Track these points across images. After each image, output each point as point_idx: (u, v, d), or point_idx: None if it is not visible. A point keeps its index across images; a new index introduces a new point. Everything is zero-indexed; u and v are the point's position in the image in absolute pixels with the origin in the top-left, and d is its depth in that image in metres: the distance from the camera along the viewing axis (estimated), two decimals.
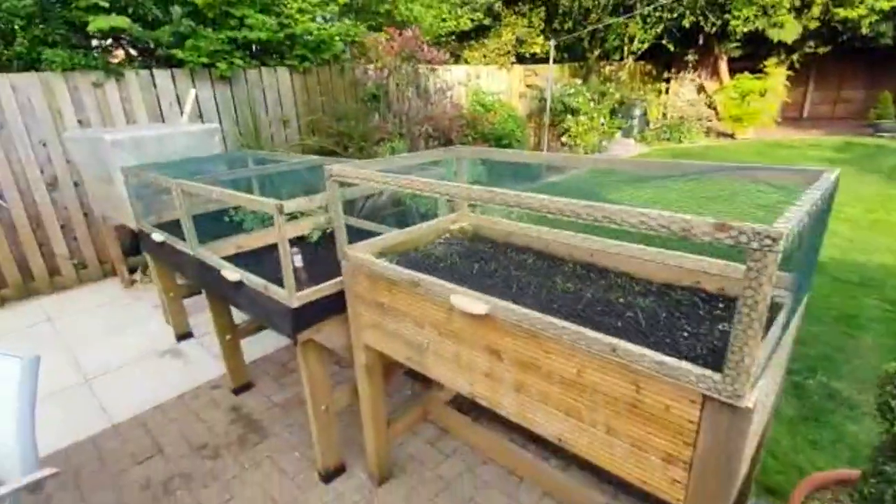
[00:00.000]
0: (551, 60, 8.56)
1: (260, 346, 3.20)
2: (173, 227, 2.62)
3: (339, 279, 1.82)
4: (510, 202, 1.13)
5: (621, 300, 1.41)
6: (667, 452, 1.05)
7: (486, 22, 9.42)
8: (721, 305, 1.35)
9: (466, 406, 2.41)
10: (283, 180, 2.76)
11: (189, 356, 3.23)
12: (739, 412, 0.91)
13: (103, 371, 3.07)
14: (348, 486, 2.11)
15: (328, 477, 2.13)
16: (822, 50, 11.72)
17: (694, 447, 1.00)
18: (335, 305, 1.85)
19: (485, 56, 9.43)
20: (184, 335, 3.43)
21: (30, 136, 4.05)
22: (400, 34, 5.70)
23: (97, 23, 3.86)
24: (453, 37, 8.93)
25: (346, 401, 2.09)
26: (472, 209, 2.20)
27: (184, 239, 2.37)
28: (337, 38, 5.71)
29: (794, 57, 11.85)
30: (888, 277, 3.52)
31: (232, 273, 2.01)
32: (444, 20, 8.00)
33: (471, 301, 1.29)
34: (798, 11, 10.56)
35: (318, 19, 5.77)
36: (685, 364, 0.96)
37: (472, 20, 8.72)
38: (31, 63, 4.15)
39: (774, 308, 1.15)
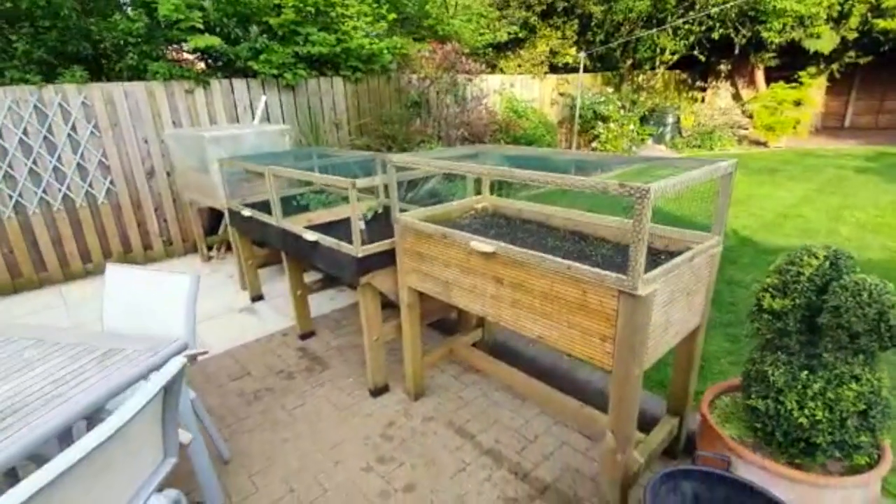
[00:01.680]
0: (581, 70, 9.08)
1: (320, 307, 3.93)
2: (254, 207, 3.38)
3: (391, 239, 2.48)
4: (505, 176, 1.77)
5: (582, 248, 2.02)
6: (602, 333, 1.65)
7: (522, 35, 10.03)
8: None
9: (484, 348, 3.03)
10: (343, 169, 3.47)
11: (262, 313, 3.99)
12: (639, 299, 1.51)
13: (200, 319, 3.86)
14: (391, 400, 2.77)
15: (376, 392, 2.80)
16: (863, 60, 11.70)
17: (616, 327, 1.59)
18: (386, 260, 2.52)
19: (519, 66, 10.04)
20: (257, 297, 4.20)
21: (135, 133, 4.96)
22: (442, 47, 6.40)
23: (195, 41, 4.72)
24: (490, 48, 9.59)
25: (391, 335, 2.75)
26: (492, 193, 2.84)
27: (269, 213, 3.11)
28: (385, 51, 6.47)
29: (834, 67, 11.88)
30: (868, 269, 3.90)
31: (311, 235, 2.72)
32: (482, 34, 8.67)
33: (483, 243, 1.93)
34: (836, 22, 10.66)
35: (370, 34, 6.55)
36: (609, 273, 1.56)
37: (509, 33, 9.35)
38: (136, 73, 5.06)
39: (675, 253, 1.73)
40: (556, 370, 2.81)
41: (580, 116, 9.39)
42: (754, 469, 1.59)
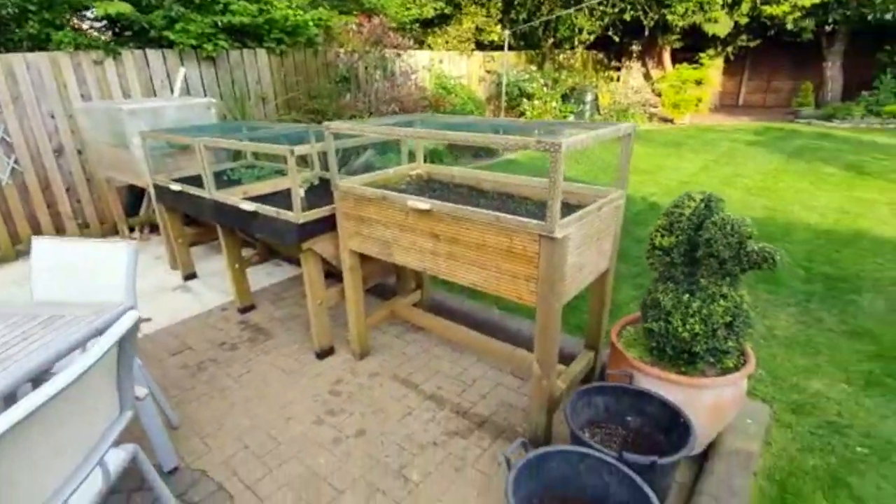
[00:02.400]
0: (506, 48, 9.37)
1: (258, 282, 3.94)
2: (183, 183, 3.32)
3: (331, 206, 2.59)
4: (438, 137, 1.94)
5: (509, 205, 2.25)
6: (526, 275, 1.89)
7: (448, 11, 10.12)
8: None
9: (423, 308, 3.23)
10: (276, 140, 3.47)
11: (197, 291, 3.92)
12: (556, 242, 1.76)
13: None
14: (336, 361, 2.91)
15: (322, 355, 2.92)
16: (753, 43, 12.98)
17: (538, 268, 1.84)
18: (326, 226, 2.62)
19: (447, 42, 10.16)
20: (190, 276, 4.11)
21: (40, 107, 4.57)
22: (369, 20, 6.37)
23: (103, 7, 4.40)
24: (417, 24, 9.60)
25: (334, 299, 2.87)
26: (426, 161, 3.00)
27: (200, 187, 3.08)
28: (311, 22, 6.33)
29: (729, 49, 13.08)
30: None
31: (249, 205, 2.75)
32: (408, 8, 8.66)
33: (420, 201, 2.10)
34: (730, 7, 11.71)
35: (294, 5, 6.37)
36: (531, 220, 1.80)
37: (435, 9, 9.41)
38: (39, 43, 4.64)
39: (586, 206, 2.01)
40: (490, 322, 3.08)
41: (506, 94, 9.71)
42: (651, 380, 1.92)
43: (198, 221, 4.50)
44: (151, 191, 3.86)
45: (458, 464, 2.12)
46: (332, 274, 2.91)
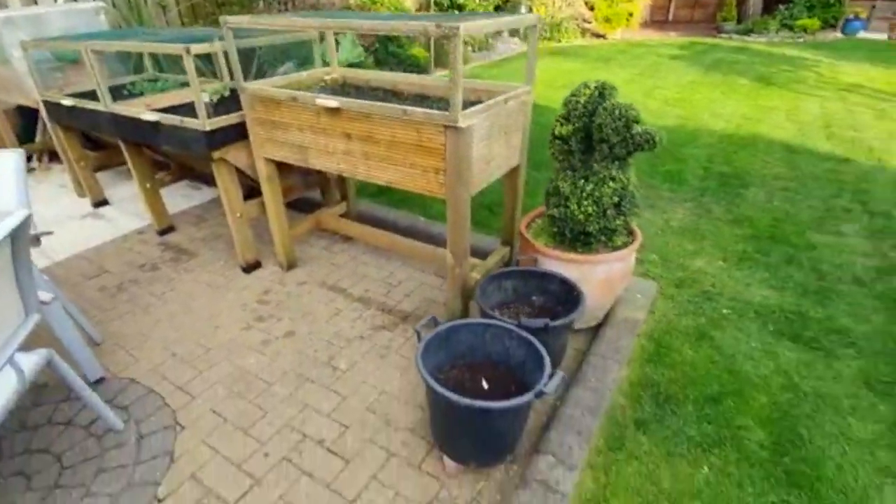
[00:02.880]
0: None
1: (177, 205, 3.78)
2: (75, 98, 3.03)
3: (241, 112, 2.48)
4: (345, 27, 1.88)
5: (422, 104, 2.27)
6: (435, 167, 1.96)
7: None
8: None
9: (350, 219, 3.26)
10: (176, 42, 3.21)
11: (110, 216, 3.72)
12: (461, 131, 1.82)
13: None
14: (264, 273, 2.93)
15: (248, 269, 2.93)
16: None
17: (445, 160, 1.91)
18: (238, 134, 2.53)
19: None
20: (101, 202, 3.87)
21: None
22: None
23: None
24: None
25: (255, 212, 2.84)
26: (341, 66, 2.90)
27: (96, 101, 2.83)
28: None
29: None
30: (665, 132, 4.81)
31: (150, 115, 2.58)
32: None
33: (328, 99, 2.07)
34: None
35: None
36: (435, 111, 1.83)
37: None
38: None
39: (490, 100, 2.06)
40: (415, 229, 3.18)
41: (436, 4, 9.24)
42: (552, 261, 2.12)
43: (101, 144, 4.16)
44: (42, 109, 3.49)
45: (384, 352, 2.29)
46: (257, 191, 2.85)
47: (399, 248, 2.91)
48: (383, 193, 3.82)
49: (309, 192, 3.33)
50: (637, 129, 1.83)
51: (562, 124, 2.00)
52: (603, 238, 2.06)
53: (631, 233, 2.20)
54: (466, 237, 2.12)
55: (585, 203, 1.96)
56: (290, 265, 2.96)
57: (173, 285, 2.85)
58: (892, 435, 1.71)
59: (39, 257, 3.15)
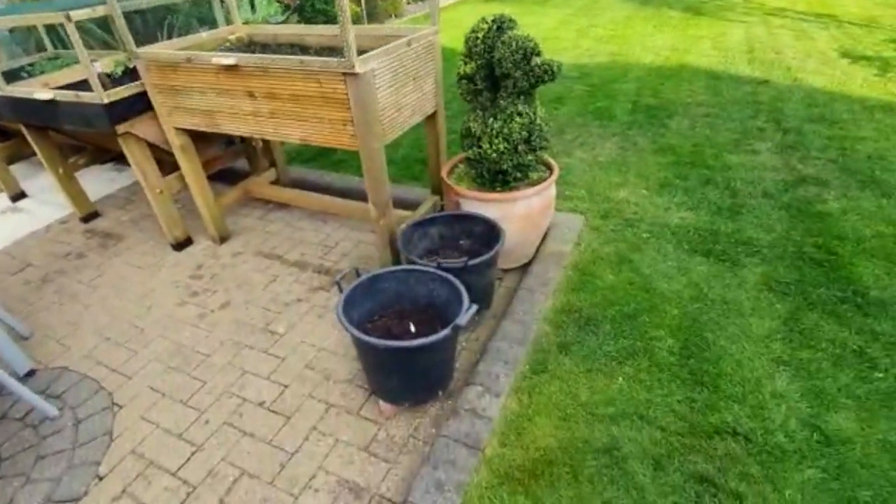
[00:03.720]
0: None
1: (102, 189, 3.60)
2: None
3: (140, 81, 2.35)
4: None
5: (330, 55, 2.21)
6: (343, 119, 1.93)
7: None
8: None
9: (283, 185, 3.20)
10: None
11: (30, 209, 3.52)
12: (361, 77, 1.78)
13: None
14: (197, 249, 2.87)
15: (179, 246, 2.86)
16: None
17: (350, 110, 1.88)
18: (143, 105, 2.41)
19: None
20: (18, 195, 3.65)
21: None
22: None
23: None
24: None
25: (177, 186, 2.74)
26: (245, 23, 2.76)
27: None
28: None
29: None
30: (597, 70, 4.84)
31: (44, 93, 2.42)
32: None
33: (224, 57, 1.99)
34: None
35: None
36: (332, 59, 1.79)
37: None
38: None
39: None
40: (350, 189, 3.15)
41: None
42: (472, 202, 2.15)
43: (9, 133, 3.88)
44: None
45: (321, 311, 2.31)
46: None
47: (333, 209, 2.89)
48: (317, 158, 3.75)
49: (235, 161, 3.23)
50: (536, 60, 1.84)
51: (465, 62, 1.99)
52: (518, 174, 2.10)
53: (549, 167, 2.25)
54: (385, 188, 2.12)
55: (496, 141, 1.99)
56: (223, 238, 2.90)
57: (102, 270, 2.76)
58: (786, 329, 1.88)
59: None
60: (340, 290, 1.74)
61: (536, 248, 2.42)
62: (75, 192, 3.18)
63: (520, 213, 2.14)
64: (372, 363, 1.70)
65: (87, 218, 3.26)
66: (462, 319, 1.52)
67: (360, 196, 3.10)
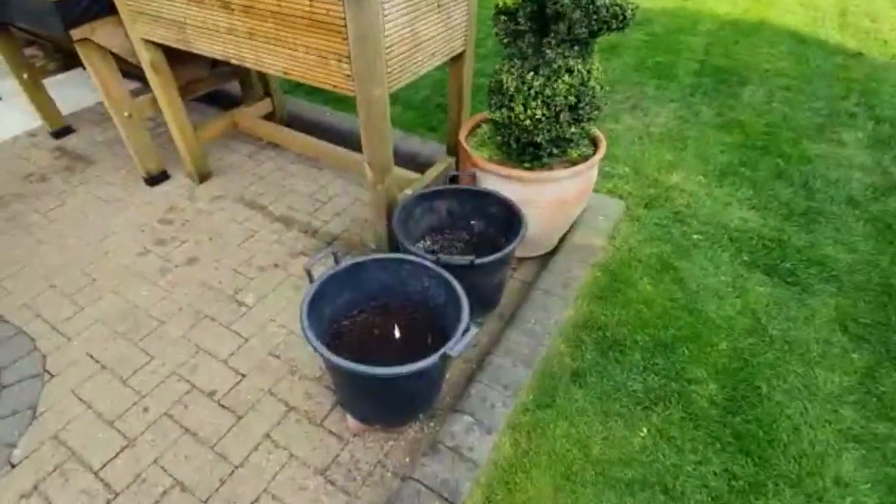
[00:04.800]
0: None
1: (81, 100, 3.19)
2: None
3: None
4: None
5: None
6: (337, 52, 1.48)
7: None
8: None
9: (278, 122, 2.76)
10: None
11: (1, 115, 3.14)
12: (363, 2, 1.32)
13: None
14: (172, 187, 2.50)
15: (152, 181, 2.49)
16: None
17: (346, 40, 1.42)
18: (103, 5, 1.95)
19: None
20: None
21: None
22: None
23: None
24: None
25: (148, 109, 2.33)
26: None
27: None
28: None
29: None
30: (660, 17, 4.14)
31: None
32: None
33: None
34: None
35: None
36: None
37: None
38: None
39: None
40: (354, 135, 2.70)
41: None
42: (492, 177, 1.73)
43: None
44: None
45: (299, 284, 1.97)
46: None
47: (330, 157, 2.47)
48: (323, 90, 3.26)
49: (223, 84, 2.78)
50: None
51: None
52: (555, 150, 1.65)
53: (594, 142, 1.79)
54: (387, 147, 1.69)
55: (533, 105, 1.53)
56: (203, 176, 2.52)
57: (63, 200, 2.42)
58: (862, 389, 1.50)
59: None
60: (311, 280, 1.38)
61: (562, 236, 2.02)
62: (42, 103, 2.78)
63: (549, 198, 1.72)
64: (339, 381, 1.37)
65: (59, 133, 2.89)
66: (455, 348, 1.16)
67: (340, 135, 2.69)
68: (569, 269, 1.85)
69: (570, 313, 1.70)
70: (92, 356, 1.70)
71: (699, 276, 1.84)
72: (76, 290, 1.95)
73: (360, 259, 1.46)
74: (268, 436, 1.47)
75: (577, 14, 1.37)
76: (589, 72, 1.51)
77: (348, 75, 1.51)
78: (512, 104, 1.58)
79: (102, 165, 2.65)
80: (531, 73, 1.53)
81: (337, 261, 1.45)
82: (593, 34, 1.42)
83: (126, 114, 2.25)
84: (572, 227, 2.05)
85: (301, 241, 2.17)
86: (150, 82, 2.17)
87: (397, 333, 1.48)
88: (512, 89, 1.57)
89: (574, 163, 1.71)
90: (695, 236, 2.02)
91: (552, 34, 1.48)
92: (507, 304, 1.85)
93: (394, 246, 2.00)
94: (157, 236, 2.20)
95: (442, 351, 1.16)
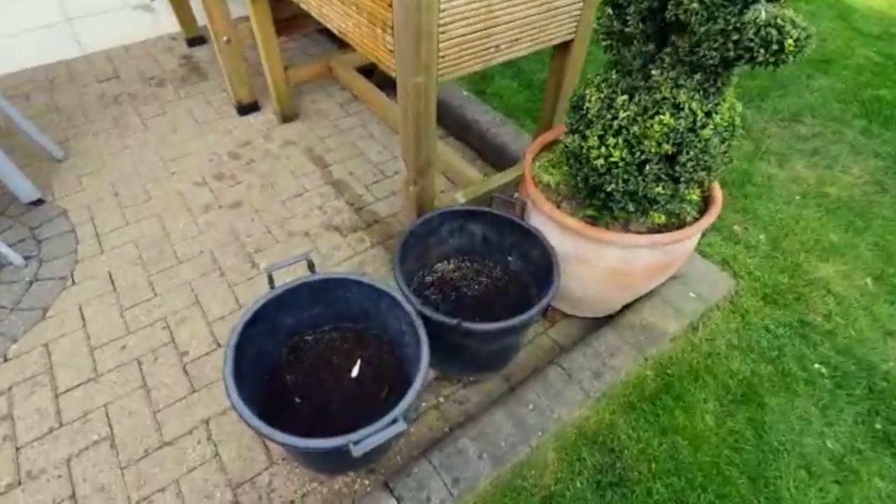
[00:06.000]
0: None
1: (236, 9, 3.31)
2: None
3: None
4: None
5: None
6: (383, 19, 1.18)
7: None
8: None
9: (380, 76, 2.56)
10: None
11: (160, 12, 3.37)
12: None
13: (84, 13, 3.33)
14: (258, 120, 2.47)
15: (242, 110, 2.48)
16: None
17: (392, 7, 1.12)
18: None
19: None
20: None
21: None
22: None
23: None
24: None
25: (248, 38, 2.27)
26: None
27: None
28: None
29: None
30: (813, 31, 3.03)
31: None
32: None
33: None
34: None
35: None
36: None
37: None
38: None
39: None
40: (450, 107, 2.40)
41: None
42: (540, 216, 1.34)
43: None
44: None
45: (317, 262, 1.81)
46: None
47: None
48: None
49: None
50: (759, 11, 0.84)
51: None
52: (632, 207, 1.20)
53: (707, 200, 1.29)
54: (426, 144, 1.39)
55: (612, 141, 1.09)
56: (287, 117, 2.45)
57: (165, 109, 2.53)
58: None
59: (73, 48, 2.99)
60: (271, 285, 1.18)
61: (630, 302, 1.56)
62: (183, 14, 2.90)
63: (610, 265, 1.28)
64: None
65: (192, 42, 3.02)
66: (360, 445, 0.88)
67: (459, 120, 2.38)
68: (612, 353, 1.42)
69: (584, 415, 1.30)
70: (110, 276, 1.75)
71: (792, 429, 1.29)
72: (131, 204, 2.02)
73: (337, 276, 1.23)
74: (206, 423, 1.37)
75: (706, 27, 0.89)
76: (708, 115, 1.02)
77: (391, 49, 1.22)
78: (587, 131, 1.16)
79: (212, 84, 2.71)
80: (624, 97, 1.08)
81: (311, 268, 1.23)
82: (727, 63, 0.93)
83: (225, 38, 2.21)
84: (646, 294, 1.58)
85: (341, 215, 2.00)
86: (248, 9, 2.08)
87: (355, 372, 1.24)
88: (593, 111, 1.14)
89: (657, 229, 1.24)
90: (816, 366, 1.42)
91: (668, 48, 1.01)
92: (524, 366, 1.50)
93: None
94: (219, 169, 2.19)
95: (347, 441, 0.89)
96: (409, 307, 1.15)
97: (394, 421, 0.93)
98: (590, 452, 1.23)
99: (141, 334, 1.58)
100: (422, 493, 1.15)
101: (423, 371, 1.02)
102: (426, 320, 1.12)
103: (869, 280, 1.65)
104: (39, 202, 2.00)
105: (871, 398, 1.36)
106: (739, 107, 1.10)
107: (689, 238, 1.25)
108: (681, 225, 1.25)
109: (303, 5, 1.58)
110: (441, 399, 1.43)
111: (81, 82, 2.71)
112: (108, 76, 2.76)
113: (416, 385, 0.98)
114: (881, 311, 1.56)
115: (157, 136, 2.35)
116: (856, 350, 1.46)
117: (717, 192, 1.32)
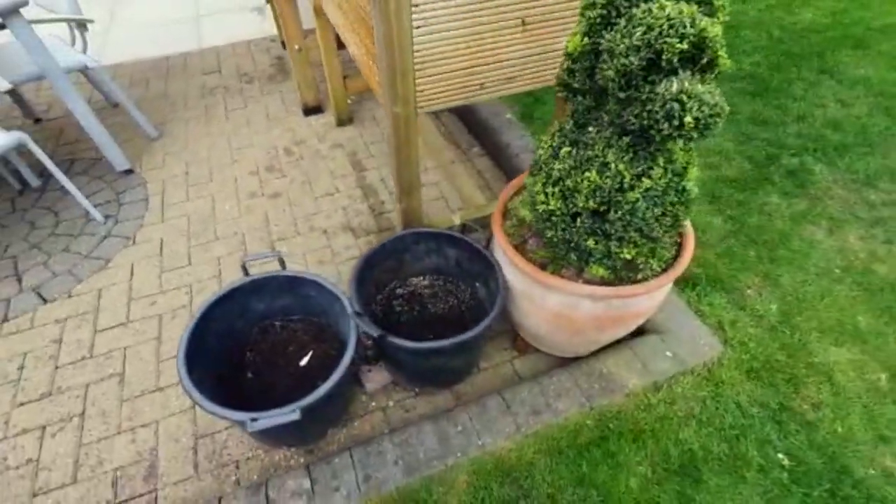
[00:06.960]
0: None
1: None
2: None
3: None
4: None
5: None
6: (371, 53, 1.32)
7: None
8: None
9: None
10: None
11: (268, 15, 3.85)
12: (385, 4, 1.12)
13: (211, 11, 3.90)
14: (319, 122, 2.74)
15: (307, 111, 2.77)
16: None
17: (372, 34, 1.25)
18: None
19: None
20: None
21: None
22: None
23: None
24: None
25: (317, 47, 2.53)
26: None
27: None
28: None
29: None
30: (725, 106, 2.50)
31: None
32: None
33: None
34: None
35: None
36: None
37: None
38: None
39: None
40: (487, 125, 2.48)
41: None
42: (499, 249, 1.38)
43: None
44: None
45: (327, 257, 2.00)
46: None
47: (433, 151, 2.34)
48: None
49: None
50: (672, 83, 0.84)
51: (575, 33, 1.07)
52: (573, 256, 1.21)
53: (679, 248, 1.25)
54: (409, 168, 1.50)
55: (550, 190, 1.12)
56: (342, 121, 2.69)
57: (247, 104, 2.90)
58: None
59: (193, 39, 3.53)
60: (245, 273, 1.37)
61: (602, 346, 1.55)
62: (286, 19, 3.27)
63: (553, 310, 1.30)
64: None
65: (285, 44, 3.40)
66: (255, 424, 1.02)
67: (494, 140, 2.45)
68: (559, 395, 1.42)
69: (507, 447, 1.33)
70: (161, 242, 2.08)
71: None
72: (195, 184, 2.36)
73: (301, 274, 1.38)
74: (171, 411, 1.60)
75: (628, 94, 0.90)
76: (639, 178, 1.01)
77: (378, 81, 1.34)
78: (536, 174, 1.19)
79: (290, 85, 3.04)
80: (568, 149, 1.11)
81: (283, 265, 1.40)
82: (643, 130, 0.93)
83: (297, 47, 2.50)
84: (619, 342, 1.55)
85: (360, 217, 2.17)
86: (315, 21, 2.33)
87: (303, 362, 1.39)
88: (544, 157, 1.17)
89: (604, 280, 1.24)
90: (779, 455, 1.30)
91: (606, 108, 1.02)
92: (480, 388, 1.55)
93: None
94: (272, 162, 2.47)
95: (247, 417, 1.04)
96: (349, 311, 1.27)
97: (293, 411, 1.06)
98: (499, 484, 1.27)
99: (169, 295, 1.87)
100: (334, 481, 1.27)
101: (337, 376, 1.14)
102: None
103: (884, 376, 1.46)
104: (129, 172, 2.43)
105: None
106: (695, 172, 1.07)
107: (637, 296, 1.23)
108: (624, 280, 1.23)
109: (337, 29, 1.77)
110: (391, 403, 1.53)
111: (191, 73, 3.18)
112: (212, 70, 3.21)
113: (321, 390, 1.10)
114: (884, 412, 1.38)
115: (233, 127, 2.71)
116: (835, 449, 1.31)
117: (689, 233, 1.28)
